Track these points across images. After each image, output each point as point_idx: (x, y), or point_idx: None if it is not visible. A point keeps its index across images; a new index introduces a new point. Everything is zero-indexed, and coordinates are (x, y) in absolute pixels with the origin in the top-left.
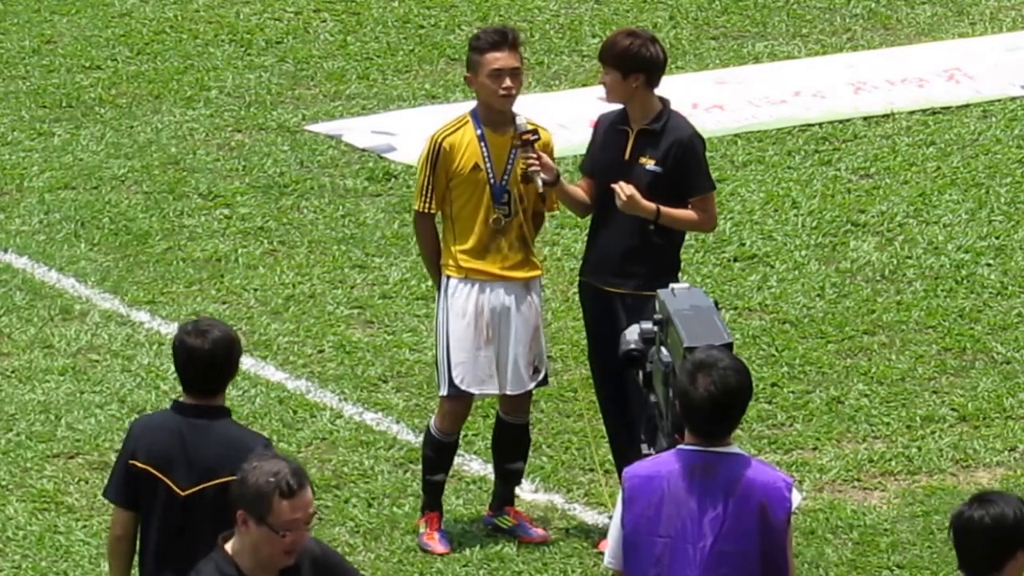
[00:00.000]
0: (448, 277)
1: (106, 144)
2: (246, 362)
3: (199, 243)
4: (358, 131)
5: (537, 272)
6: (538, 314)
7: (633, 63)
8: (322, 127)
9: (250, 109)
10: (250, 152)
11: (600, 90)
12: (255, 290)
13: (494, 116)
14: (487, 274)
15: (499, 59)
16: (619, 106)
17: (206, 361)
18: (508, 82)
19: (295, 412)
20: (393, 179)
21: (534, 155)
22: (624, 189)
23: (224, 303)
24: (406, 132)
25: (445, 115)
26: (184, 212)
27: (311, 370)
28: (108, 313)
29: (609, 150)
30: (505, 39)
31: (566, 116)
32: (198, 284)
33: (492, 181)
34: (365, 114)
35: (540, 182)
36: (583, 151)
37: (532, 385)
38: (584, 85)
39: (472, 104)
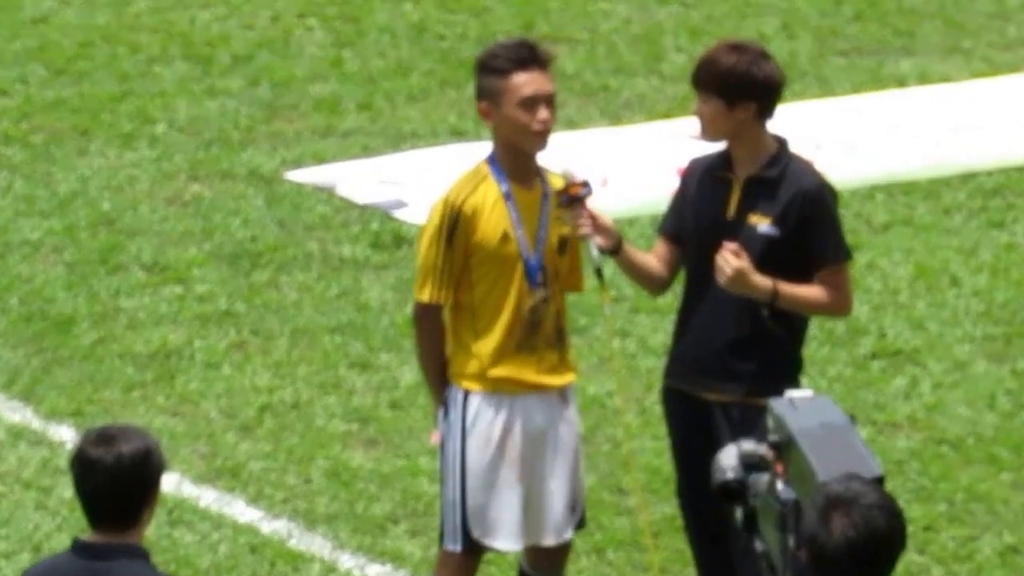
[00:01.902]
0: (465, 392)
1: (14, 198)
2: (207, 496)
3: (141, 333)
4: (357, 180)
5: (573, 376)
6: (577, 434)
7: (741, 87)
8: (309, 175)
9: (210, 150)
10: (211, 209)
11: (693, 124)
12: (218, 397)
13: (521, 164)
14: (520, 384)
15: (530, 82)
16: (719, 146)
17: (110, 480)
18: (544, 113)
19: (273, 565)
20: (405, 246)
21: (586, 215)
22: (730, 259)
23: (176, 415)
24: (422, 182)
25: (476, 156)
26: (121, 290)
27: (294, 507)
28: (16, 428)
29: (705, 206)
30: (534, 55)
31: (640, 160)
32: (140, 389)
33: (526, 255)
34: (367, 157)
35: (596, 252)
36: (663, 208)
37: (571, 533)
38: (666, 117)
39: (481, 146)
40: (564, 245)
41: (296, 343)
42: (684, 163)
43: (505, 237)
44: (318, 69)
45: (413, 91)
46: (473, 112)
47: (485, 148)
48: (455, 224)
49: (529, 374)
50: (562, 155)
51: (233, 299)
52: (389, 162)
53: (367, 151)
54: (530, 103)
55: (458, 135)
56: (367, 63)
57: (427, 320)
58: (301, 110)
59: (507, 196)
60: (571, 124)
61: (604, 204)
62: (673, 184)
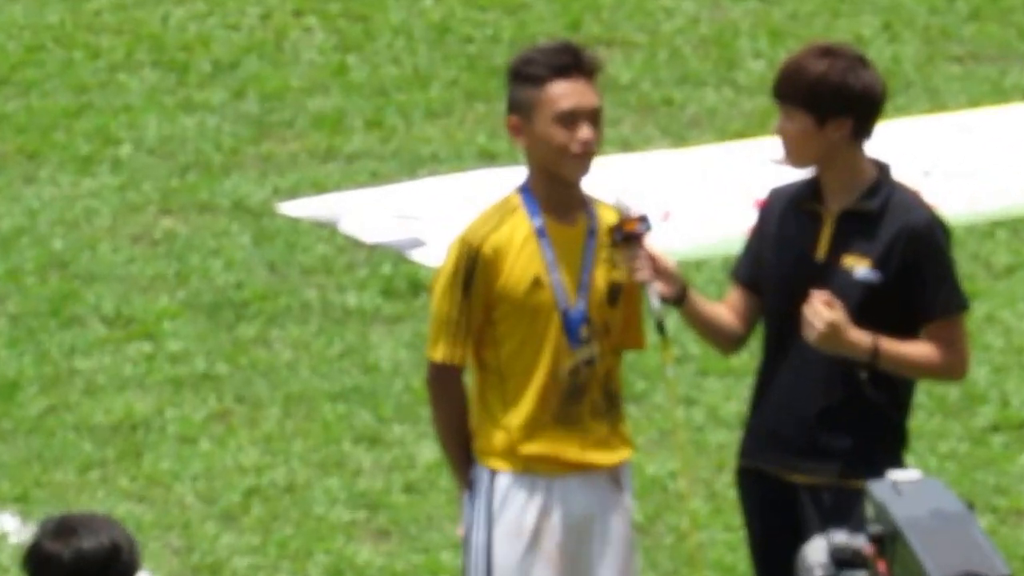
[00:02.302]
0: (492, 472)
1: None
2: None
3: (101, 400)
4: (365, 214)
5: (627, 452)
6: (631, 525)
7: (833, 100)
8: (306, 207)
9: (186, 176)
10: (187, 248)
11: (774, 145)
12: (195, 478)
13: (559, 193)
14: (558, 463)
15: (569, 93)
16: (806, 173)
17: None
18: (586, 131)
19: None
20: (423, 294)
21: (644, 256)
22: (820, 311)
23: (143, 500)
24: (443, 216)
25: (510, 185)
26: (76, 348)
27: None
28: None
29: (790, 245)
30: (577, 61)
31: (710, 189)
32: (99, 468)
33: (563, 305)
34: (377, 185)
35: (657, 302)
36: (735, 249)
37: None
38: (741, 137)
39: (516, 172)
40: (616, 293)
41: (290, 412)
42: (763, 193)
43: (537, 283)
44: (318, 78)
45: (433, 105)
46: (505, 131)
47: (520, 174)
48: (473, 268)
49: (571, 451)
50: (615, 183)
51: (213, 359)
52: (404, 192)
53: (377, 178)
54: (569, 119)
55: (488, 159)
56: (377, 71)
57: (442, 384)
58: (297, 128)
59: (540, 232)
60: (626, 145)
61: (666, 243)
62: (750, 219)
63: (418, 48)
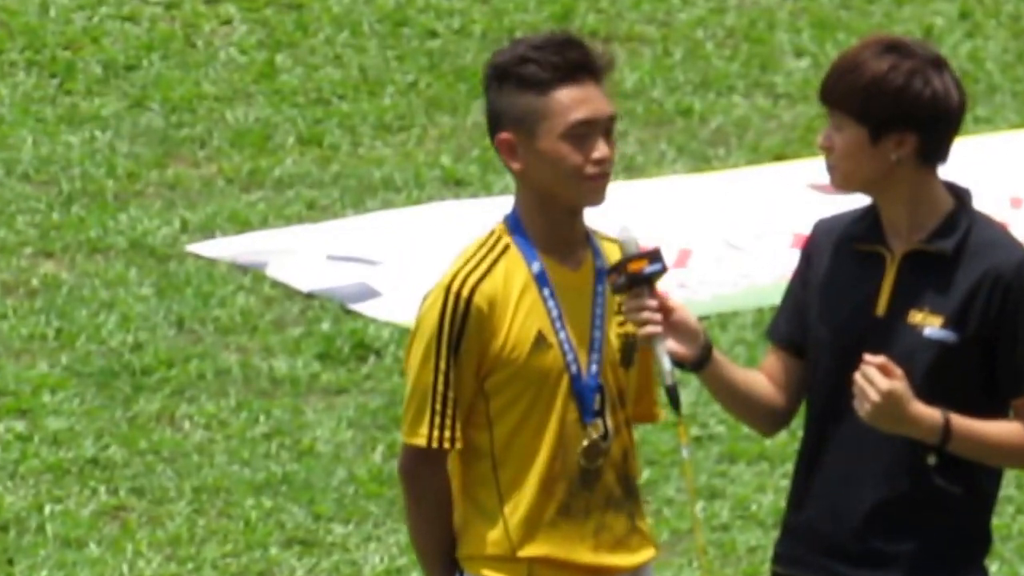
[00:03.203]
0: None
1: None
2: None
3: None
4: (300, 257)
5: (651, 552)
6: None
7: (895, 110)
8: (224, 248)
9: (70, 209)
10: (71, 301)
11: (818, 167)
12: None
13: (563, 227)
14: (568, 567)
15: (582, 100)
16: (861, 201)
17: None
18: (603, 148)
19: None
20: (373, 357)
21: (654, 305)
22: (876, 380)
23: None
24: (400, 258)
25: (483, 219)
26: None
27: None
28: None
29: (841, 295)
30: (586, 60)
31: (739, 222)
32: None
33: (574, 370)
34: (314, 220)
35: (668, 364)
36: (772, 301)
37: None
38: (779, 157)
39: (491, 203)
40: (631, 352)
41: (202, 509)
42: (807, 229)
43: (541, 342)
44: (239, 83)
45: (385, 117)
46: (478, 151)
47: (498, 206)
48: (463, 324)
49: (582, 551)
50: (617, 215)
51: (105, 441)
52: (349, 228)
53: (314, 210)
54: (582, 133)
55: (455, 185)
56: (313, 74)
57: (424, 475)
58: (212, 147)
59: (540, 279)
60: (633, 168)
61: (683, 290)
62: (791, 261)
63: (366, 45)
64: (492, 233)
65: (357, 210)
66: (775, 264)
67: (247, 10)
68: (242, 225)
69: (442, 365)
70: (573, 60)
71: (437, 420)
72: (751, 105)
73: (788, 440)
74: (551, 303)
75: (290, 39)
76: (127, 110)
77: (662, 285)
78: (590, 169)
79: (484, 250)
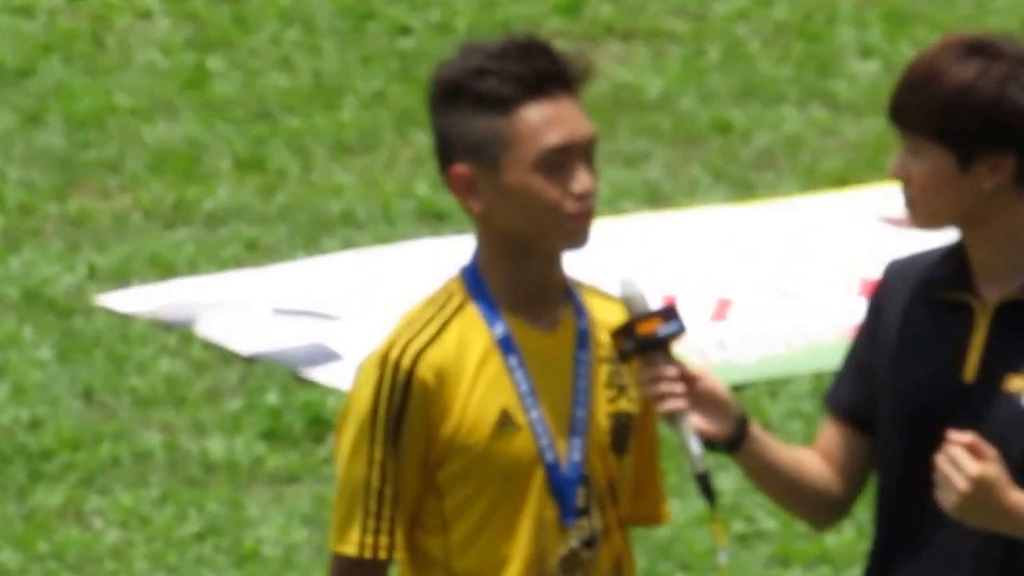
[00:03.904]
0: None
1: None
2: None
3: None
4: (238, 311)
5: None
6: None
7: (986, 127)
8: (143, 300)
9: None
10: None
11: (889, 195)
12: None
13: (535, 279)
14: None
15: (556, 120)
16: (942, 239)
17: None
18: (585, 178)
19: None
20: (330, 437)
21: (673, 372)
22: (964, 463)
23: None
24: (363, 313)
25: (460, 260)
26: None
27: None
28: None
29: (920, 354)
30: (557, 68)
31: (789, 266)
32: None
33: (549, 459)
34: (256, 264)
35: (697, 446)
36: (834, 363)
37: None
38: (839, 183)
39: (458, 243)
40: (625, 434)
41: None
42: (876, 272)
43: (506, 424)
44: (160, 93)
45: (345, 135)
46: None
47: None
48: (403, 404)
49: None
50: (630, 258)
51: (5, 542)
52: (301, 274)
53: (257, 252)
54: (558, 161)
55: (434, 219)
56: (255, 81)
57: None
58: (127, 173)
59: (504, 344)
60: (658, 196)
61: (718, 353)
62: (856, 312)
63: (321, 44)
64: (443, 289)
65: (310, 251)
66: (837, 317)
67: (171, 0)
68: (165, 271)
69: (377, 454)
70: (541, 69)
71: (371, 523)
72: (805, 118)
73: (855, 538)
74: (519, 374)
75: (225, 37)
76: (19, 127)
77: (699, 343)
78: (570, 206)
79: (432, 309)
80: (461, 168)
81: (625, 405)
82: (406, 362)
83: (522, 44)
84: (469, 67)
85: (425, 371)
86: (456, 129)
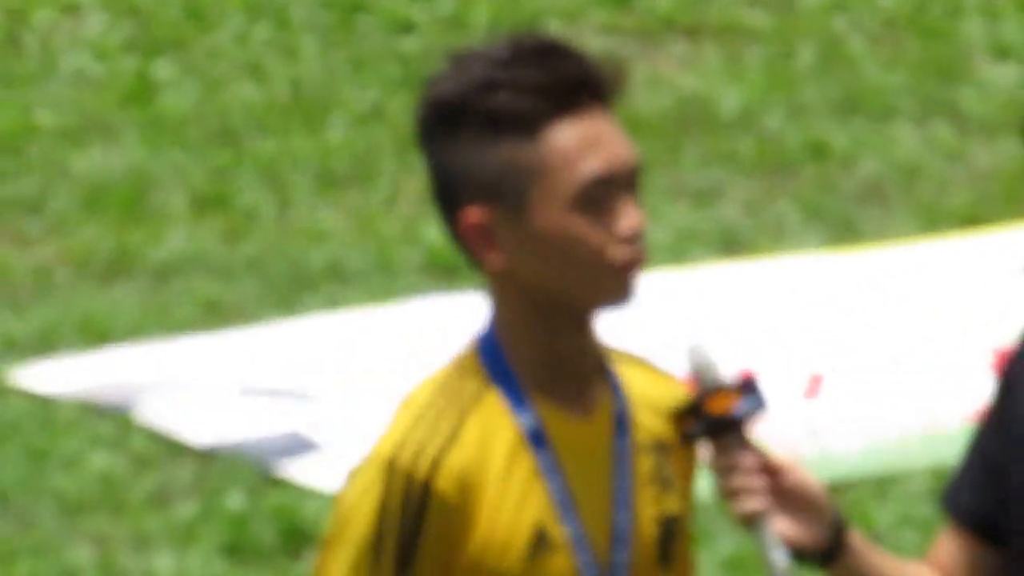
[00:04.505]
0: None
1: None
2: None
3: None
4: (193, 390)
5: None
6: None
7: None
8: (70, 376)
9: None
10: None
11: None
12: None
13: (568, 352)
14: None
15: (594, 144)
16: None
17: None
18: (633, 215)
19: None
20: (312, 549)
21: (752, 462)
22: None
23: None
24: (354, 393)
25: (477, 323)
26: None
27: None
28: None
29: None
30: (589, 78)
31: (899, 331)
32: None
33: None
34: (216, 329)
35: (781, 557)
36: (955, 452)
37: None
38: (969, 225)
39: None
40: (671, 540)
41: None
42: (1009, 339)
43: (542, 543)
44: (95, 108)
45: (331, 162)
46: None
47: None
48: (418, 526)
49: None
50: (691, 321)
51: None
52: (273, 342)
53: (216, 314)
54: (599, 196)
55: (443, 271)
56: (215, 94)
57: None
58: (50, 213)
59: (535, 439)
60: (733, 241)
61: (802, 444)
62: (984, 391)
63: (299, 45)
64: (456, 369)
65: (285, 313)
66: (963, 397)
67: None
68: (99, 338)
69: None
70: (567, 76)
71: None
72: (924, 138)
73: None
74: (553, 478)
75: (177, 36)
76: None
77: (785, 429)
78: (616, 252)
79: (445, 396)
80: (474, 213)
81: (671, 505)
82: (422, 471)
83: (535, 46)
84: (473, 80)
85: (446, 482)
86: (464, 163)
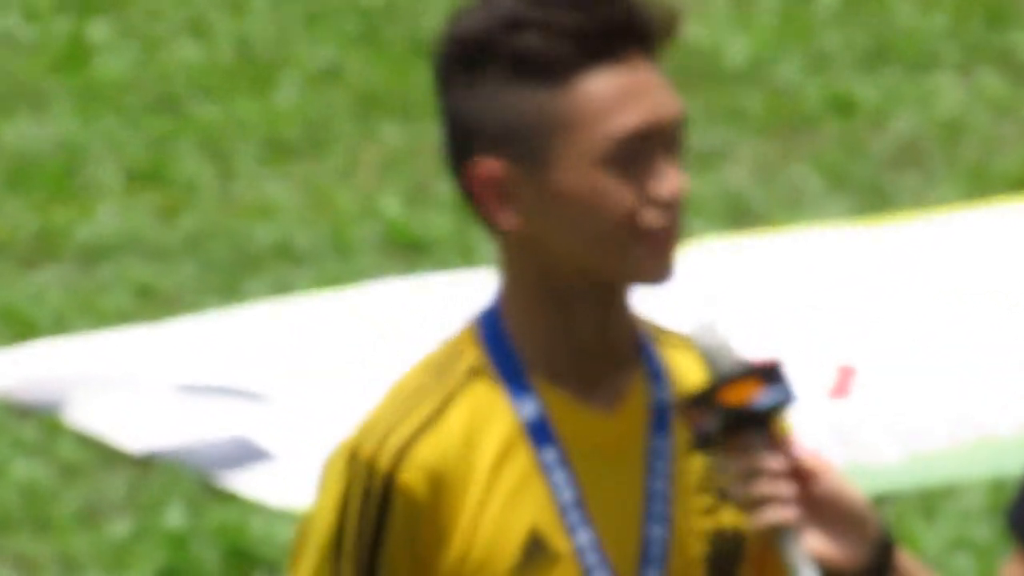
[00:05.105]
0: None
1: None
2: None
3: None
4: (127, 387)
5: None
6: None
7: None
8: None
9: None
10: None
11: None
12: None
13: (593, 333)
14: None
15: (634, 95)
16: None
17: None
18: (673, 180)
19: None
20: (265, 573)
21: (778, 466)
22: None
23: None
24: (310, 390)
25: (445, 308)
26: None
27: None
28: None
29: None
30: (633, 21)
31: (950, 318)
32: None
33: None
34: (152, 320)
35: (807, 573)
36: (1014, 469)
37: None
38: (1021, 187)
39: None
40: (729, 562)
41: None
42: None
43: (536, 551)
44: (22, 74)
45: (282, 129)
46: (450, 188)
47: (488, 289)
48: (380, 525)
49: None
50: (698, 303)
51: None
52: (215, 333)
53: (152, 300)
54: (634, 153)
55: (410, 250)
56: (154, 56)
57: None
58: None
59: (537, 431)
60: (747, 211)
61: (833, 451)
62: None
63: (255, 12)
64: (448, 347)
65: (229, 299)
66: (1020, 397)
67: None
68: (21, 330)
69: None
70: (608, 19)
71: None
72: (968, 90)
73: None
74: (559, 476)
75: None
76: None
77: (812, 432)
78: (651, 218)
79: (430, 375)
80: (488, 164)
81: (730, 520)
82: (383, 462)
83: None
84: (500, 18)
85: (412, 475)
86: (480, 109)
